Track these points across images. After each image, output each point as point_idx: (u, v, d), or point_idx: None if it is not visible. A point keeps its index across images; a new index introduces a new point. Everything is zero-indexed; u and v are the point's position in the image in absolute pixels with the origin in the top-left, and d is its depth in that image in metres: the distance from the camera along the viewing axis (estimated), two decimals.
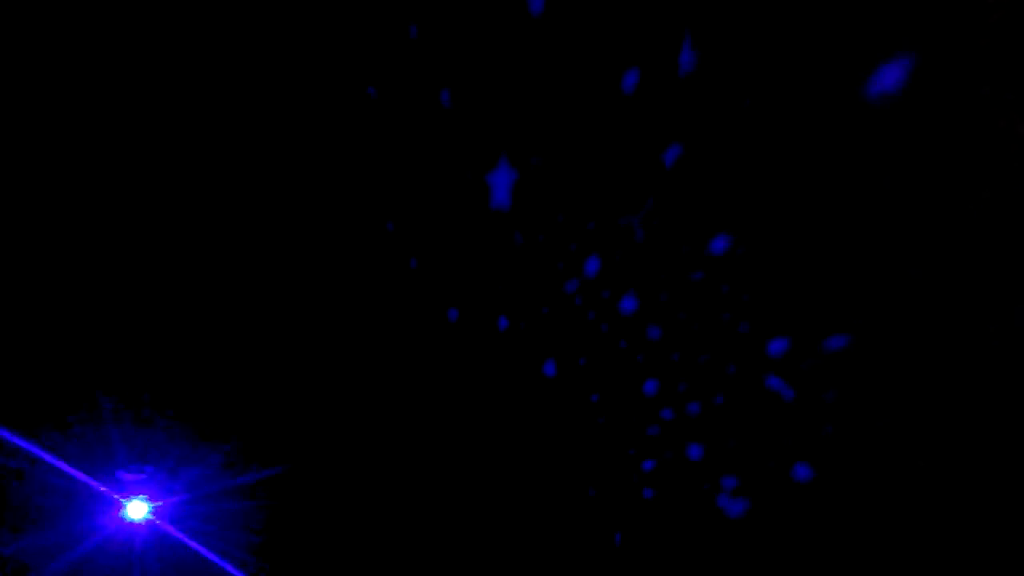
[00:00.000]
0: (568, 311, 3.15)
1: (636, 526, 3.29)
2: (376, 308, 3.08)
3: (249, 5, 2.57)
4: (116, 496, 2.86)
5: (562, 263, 3.05)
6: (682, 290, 2.76)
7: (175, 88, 2.71)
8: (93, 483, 2.85)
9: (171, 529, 2.90)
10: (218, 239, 2.96)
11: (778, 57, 2.03)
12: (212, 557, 2.98)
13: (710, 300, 2.68)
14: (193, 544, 2.95)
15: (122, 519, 2.84)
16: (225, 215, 2.93)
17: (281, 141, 2.73)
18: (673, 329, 2.92)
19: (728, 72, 2.17)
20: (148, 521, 2.90)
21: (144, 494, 2.89)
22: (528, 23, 2.35)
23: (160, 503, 2.92)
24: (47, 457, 2.99)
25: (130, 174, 2.79)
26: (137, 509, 2.92)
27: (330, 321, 3.10)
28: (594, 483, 3.36)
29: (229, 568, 3.02)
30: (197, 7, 2.56)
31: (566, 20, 2.36)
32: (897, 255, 2.11)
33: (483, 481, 3.31)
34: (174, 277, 2.99)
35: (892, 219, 2.06)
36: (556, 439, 3.36)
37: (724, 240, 2.46)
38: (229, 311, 3.06)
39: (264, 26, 2.66)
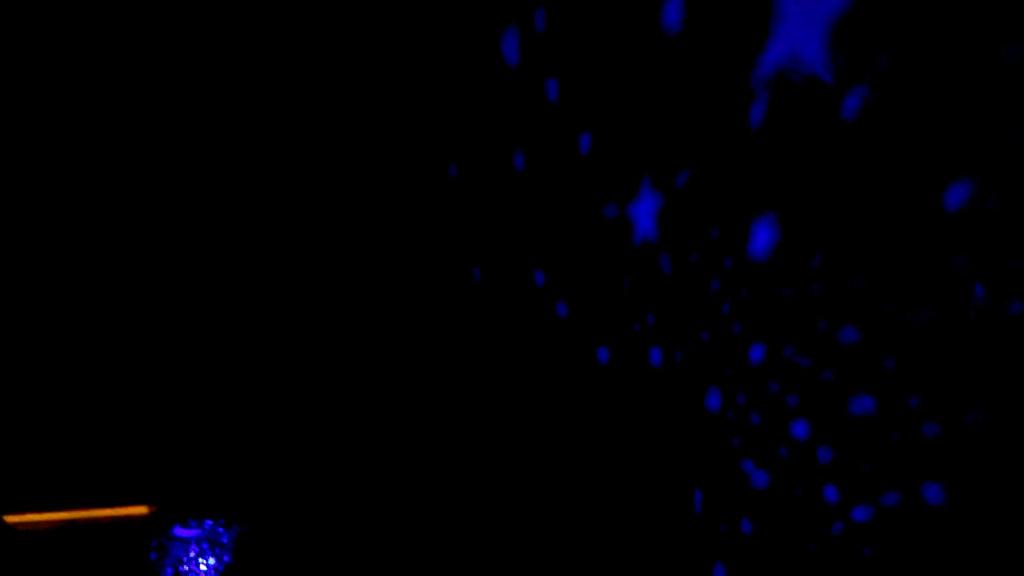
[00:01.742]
0: (728, 335, 2.85)
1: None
2: (531, 359, 2.94)
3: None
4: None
5: (718, 283, 2.76)
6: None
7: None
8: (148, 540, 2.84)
9: None
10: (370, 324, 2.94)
11: None
12: None
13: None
14: None
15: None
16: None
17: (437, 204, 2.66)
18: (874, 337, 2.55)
19: None
20: None
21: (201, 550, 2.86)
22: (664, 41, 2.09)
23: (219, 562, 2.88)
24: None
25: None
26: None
27: (482, 373, 3.00)
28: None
29: None
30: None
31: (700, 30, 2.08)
32: None
33: (646, 524, 3.11)
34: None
35: None
36: (725, 474, 3.09)
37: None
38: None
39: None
